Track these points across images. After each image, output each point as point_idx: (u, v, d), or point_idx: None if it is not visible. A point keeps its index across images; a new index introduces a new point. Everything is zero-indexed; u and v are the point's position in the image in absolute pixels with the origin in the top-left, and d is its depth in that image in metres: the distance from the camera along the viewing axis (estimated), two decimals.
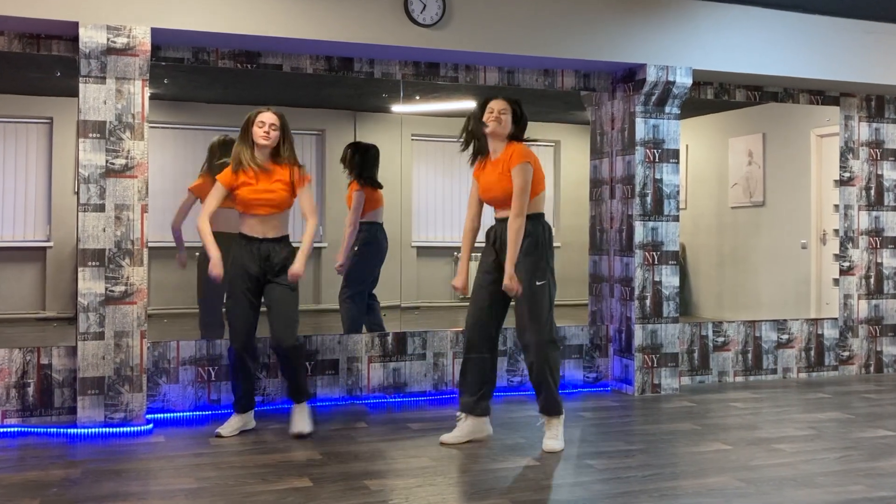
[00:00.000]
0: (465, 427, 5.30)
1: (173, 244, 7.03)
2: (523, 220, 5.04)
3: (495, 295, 5.20)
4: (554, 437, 5.17)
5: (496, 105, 5.18)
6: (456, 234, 10.40)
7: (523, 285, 5.06)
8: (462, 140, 5.36)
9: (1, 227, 8.76)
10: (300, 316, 5.47)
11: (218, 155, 6.56)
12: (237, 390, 5.50)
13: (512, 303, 5.21)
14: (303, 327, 5.65)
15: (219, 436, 5.37)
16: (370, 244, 7.04)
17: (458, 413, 5.34)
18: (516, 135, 5.21)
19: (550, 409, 5.18)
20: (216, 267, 5.23)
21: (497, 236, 5.22)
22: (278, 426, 5.69)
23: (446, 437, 5.27)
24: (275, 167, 5.39)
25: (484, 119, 5.18)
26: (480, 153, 5.29)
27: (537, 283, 5.08)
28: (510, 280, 5.03)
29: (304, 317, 7.03)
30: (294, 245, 5.45)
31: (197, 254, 6.42)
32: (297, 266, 5.33)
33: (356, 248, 6.97)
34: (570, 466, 4.85)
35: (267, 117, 5.36)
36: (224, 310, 5.36)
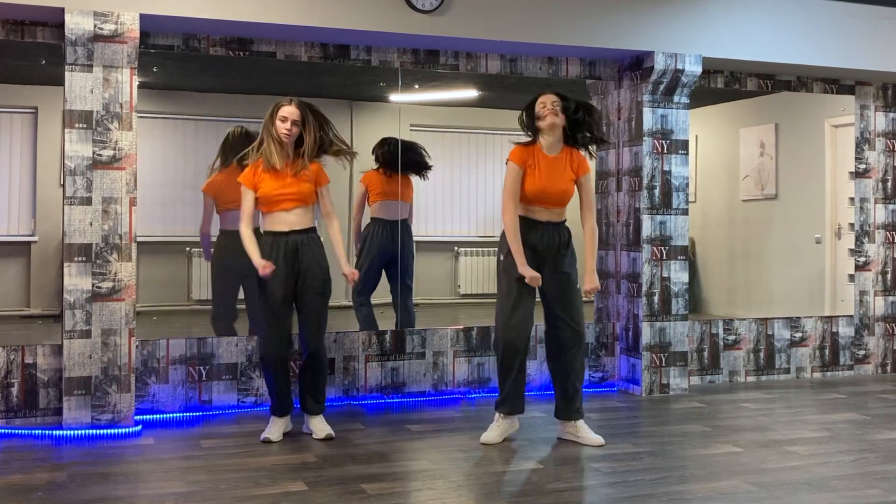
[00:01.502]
0: (504, 425, 5.42)
1: (163, 239, 7.04)
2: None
3: (533, 297, 5.38)
4: (589, 431, 5.40)
5: (548, 98, 5.32)
6: (456, 227, 10.40)
7: (571, 285, 5.35)
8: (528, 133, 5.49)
9: None
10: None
11: (235, 149, 6.60)
12: (277, 394, 5.48)
13: (537, 298, 5.39)
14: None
15: (268, 441, 5.36)
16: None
17: (500, 415, 5.43)
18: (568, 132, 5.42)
19: (581, 411, 5.45)
20: (265, 268, 5.22)
21: (545, 238, 5.33)
22: None
23: (488, 438, 5.37)
24: (297, 161, 5.40)
25: (539, 112, 5.31)
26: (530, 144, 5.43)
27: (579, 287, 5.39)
28: (594, 288, 5.36)
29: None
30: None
31: (187, 249, 6.40)
32: (347, 266, 5.42)
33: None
34: (575, 469, 4.85)
35: (288, 112, 5.34)
36: (262, 315, 5.38)
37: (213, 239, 6.92)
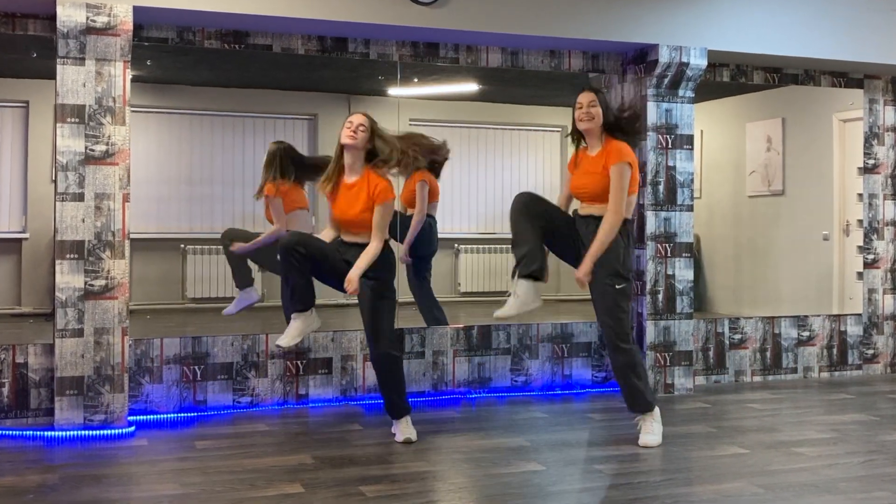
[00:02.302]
0: (522, 294, 5.25)
1: (157, 236, 7.09)
2: (619, 218, 5.20)
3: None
4: (649, 431, 5.36)
5: (584, 99, 5.34)
6: (456, 224, 10.40)
7: (598, 283, 5.23)
8: (572, 139, 5.54)
9: None
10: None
11: (277, 165, 6.78)
12: (292, 288, 5.25)
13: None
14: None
15: (279, 347, 5.38)
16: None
17: (515, 284, 5.28)
18: (612, 124, 5.37)
19: (639, 405, 5.37)
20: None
21: (584, 231, 5.33)
22: (267, 428, 5.69)
23: (502, 312, 5.27)
24: (358, 181, 5.34)
25: (575, 117, 5.35)
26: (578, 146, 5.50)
27: (617, 287, 5.24)
28: (585, 274, 5.19)
29: None
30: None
31: (181, 246, 6.39)
32: (352, 272, 5.16)
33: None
34: (577, 471, 4.85)
35: (355, 118, 5.33)
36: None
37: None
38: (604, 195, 5.22)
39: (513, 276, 5.29)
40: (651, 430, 5.35)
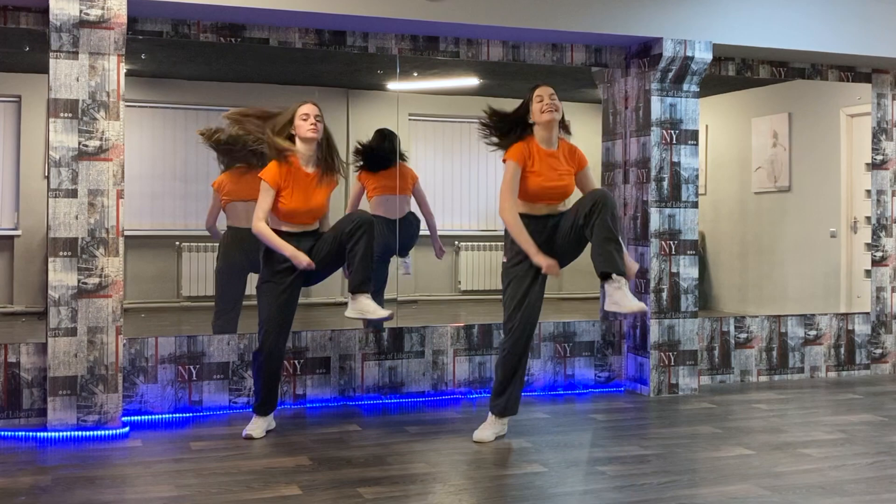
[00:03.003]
0: (499, 425, 5.52)
1: (151, 233, 7.09)
2: None
3: (539, 299, 5.41)
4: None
5: (544, 91, 5.36)
6: (457, 220, 10.41)
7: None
8: (490, 136, 5.52)
9: None
10: None
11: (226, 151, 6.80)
12: (262, 392, 5.53)
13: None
14: (294, 324, 5.65)
15: (250, 437, 5.43)
16: None
17: (494, 414, 5.49)
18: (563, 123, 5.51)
19: (620, 264, 5.16)
20: (299, 257, 5.29)
21: (543, 228, 5.36)
22: None
23: (479, 436, 5.45)
24: (317, 170, 5.50)
25: (537, 109, 5.34)
26: (516, 140, 5.42)
27: None
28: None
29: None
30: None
31: (176, 243, 6.40)
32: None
33: None
34: (580, 473, 4.85)
35: (310, 109, 5.43)
36: (268, 310, 5.44)
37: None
38: (568, 196, 5.45)
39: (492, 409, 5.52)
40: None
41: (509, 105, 5.52)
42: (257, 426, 5.51)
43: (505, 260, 5.41)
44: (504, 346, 5.38)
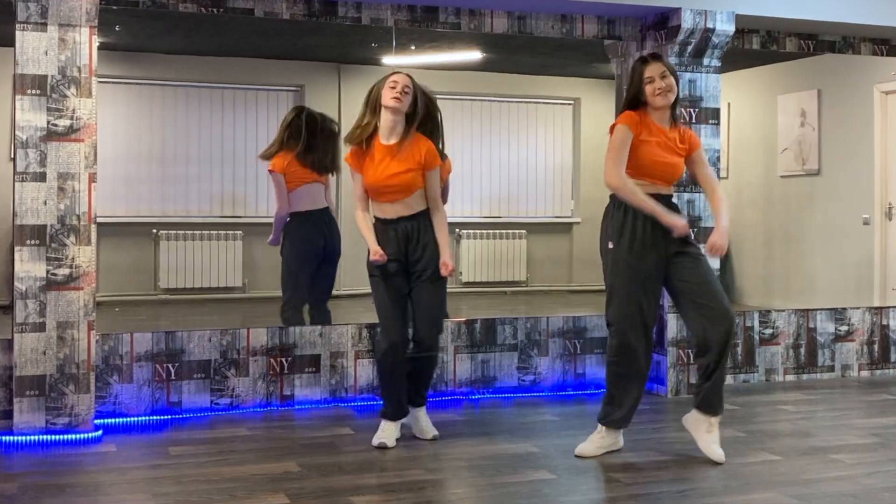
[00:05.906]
0: (609, 439, 5.34)
1: (126, 220, 7.07)
2: None
3: (655, 287, 5.31)
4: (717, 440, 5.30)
5: (655, 71, 5.22)
6: (458, 207, 10.40)
7: (704, 263, 5.29)
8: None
9: None
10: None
11: (292, 131, 6.81)
12: (392, 394, 5.50)
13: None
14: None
15: (383, 446, 5.37)
16: None
17: (604, 427, 5.35)
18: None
19: (719, 404, 5.25)
20: (378, 254, 5.36)
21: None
22: (249, 433, 5.68)
23: (583, 450, 5.31)
24: (404, 143, 5.46)
25: (650, 92, 5.22)
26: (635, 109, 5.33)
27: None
28: (720, 237, 5.21)
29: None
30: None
31: (154, 231, 6.40)
32: (448, 256, 5.46)
33: None
34: (592, 480, 4.85)
35: (400, 78, 5.42)
36: (379, 309, 5.47)
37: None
38: (677, 179, 5.36)
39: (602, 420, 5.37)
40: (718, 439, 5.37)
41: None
42: (387, 433, 5.45)
43: (610, 245, 5.24)
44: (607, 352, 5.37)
